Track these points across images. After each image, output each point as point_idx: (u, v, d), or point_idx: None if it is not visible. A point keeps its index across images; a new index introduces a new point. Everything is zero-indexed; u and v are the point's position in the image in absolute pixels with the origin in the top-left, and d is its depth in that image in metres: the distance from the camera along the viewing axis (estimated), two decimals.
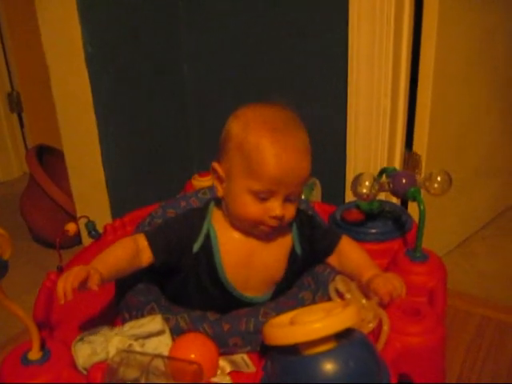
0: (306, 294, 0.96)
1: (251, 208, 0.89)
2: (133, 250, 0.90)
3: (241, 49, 1.78)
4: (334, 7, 1.54)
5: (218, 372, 0.85)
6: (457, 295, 1.65)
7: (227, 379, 0.85)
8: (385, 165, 1.59)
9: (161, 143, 1.91)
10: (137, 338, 0.86)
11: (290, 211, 0.91)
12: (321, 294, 0.97)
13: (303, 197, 1.30)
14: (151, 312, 0.92)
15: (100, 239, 1.26)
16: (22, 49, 2.56)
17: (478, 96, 1.80)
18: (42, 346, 0.85)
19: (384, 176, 1.15)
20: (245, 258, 0.95)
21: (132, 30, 1.73)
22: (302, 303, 0.93)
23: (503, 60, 1.83)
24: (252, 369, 0.86)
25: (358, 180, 1.09)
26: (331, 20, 1.57)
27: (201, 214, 0.97)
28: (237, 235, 0.95)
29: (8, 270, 0.76)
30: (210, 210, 0.97)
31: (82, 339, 0.87)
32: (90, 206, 1.83)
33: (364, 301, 0.92)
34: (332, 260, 1.04)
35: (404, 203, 1.54)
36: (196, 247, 0.94)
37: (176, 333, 0.88)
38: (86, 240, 1.58)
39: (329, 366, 0.73)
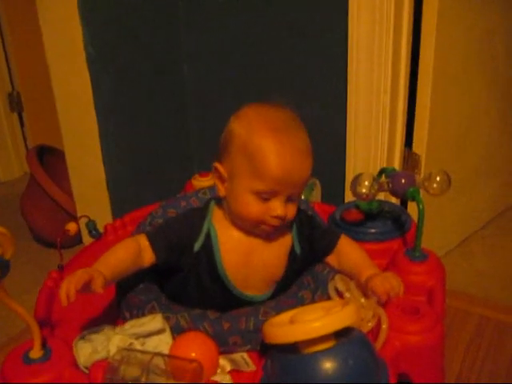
0: (306, 292, 0.96)
1: (253, 208, 0.89)
2: (135, 251, 0.91)
3: (241, 49, 1.78)
4: (334, 7, 1.54)
5: (218, 371, 0.86)
6: (456, 295, 1.65)
7: (227, 378, 0.85)
8: (384, 165, 1.60)
9: (161, 143, 1.91)
10: (137, 336, 0.86)
11: (291, 211, 0.92)
12: (320, 292, 0.98)
13: (303, 197, 1.31)
14: (152, 311, 0.92)
15: (100, 239, 1.27)
16: (22, 49, 2.57)
17: (478, 95, 1.80)
18: (44, 345, 0.85)
19: (383, 176, 1.15)
20: (245, 257, 0.95)
21: (132, 30, 1.74)
22: (301, 302, 0.94)
23: (503, 60, 1.83)
24: (252, 367, 0.86)
25: (357, 180, 1.09)
26: (331, 20, 1.57)
27: (201, 213, 0.97)
28: (237, 234, 0.95)
29: (10, 269, 0.77)
30: (211, 210, 0.98)
31: (83, 338, 0.87)
32: (91, 205, 1.84)
33: (363, 300, 0.93)
34: (331, 259, 1.04)
35: (403, 203, 1.55)
36: (197, 246, 0.94)
37: (176, 331, 0.89)
38: (87, 239, 1.59)
39: (328, 365, 0.74)
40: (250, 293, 0.97)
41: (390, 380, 0.79)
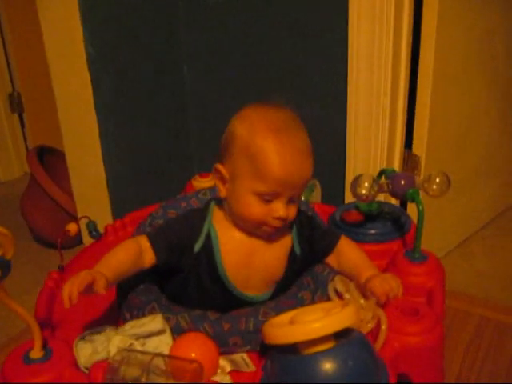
0: (306, 293, 0.97)
1: (255, 209, 0.90)
2: (135, 252, 0.91)
3: (241, 49, 1.78)
4: (334, 7, 1.54)
5: (218, 371, 0.86)
6: (456, 295, 1.65)
7: (227, 378, 0.85)
8: (384, 166, 1.60)
9: (161, 143, 1.91)
10: (138, 337, 0.86)
11: (292, 212, 0.92)
12: (320, 293, 0.98)
13: (303, 198, 1.31)
14: (152, 311, 0.92)
15: (101, 239, 1.27)
16: (23, 49, 2.57)
17: (478, 96, 1.81)
18: (44, 345, 0.86)
19: (383, 177, 1.15)
20: (245, 258, 0.95)
21: (132, 30, 1.74)
22: (301, 303, 0.94)
23: (503, 60, 1.83)
24: (252, 368, 0.87)
25: (357, 181, 1.09)
26: (331, 20, 1.57)
27: (201, 214, 0.98)
28: (237, 235, 0.95)
29: (11, 269, 0.77)
30: (211, 210, 0.98)
31: (83, 338, 0.88)
32: (91, 205, 1.84)
33: (362, 301, 0.93)
34: (331, 260, 1.05)
35: (403, 204, 1.55)
36: (197, 247, 0.94)
37: (176, 332, 0.89)
38: (87, 240, 1.59)
39: (328, 366, 0.74)
40: (250, 293, 0.97)
41: (389, 381, 0.79)
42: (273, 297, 0.98)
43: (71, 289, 0.79)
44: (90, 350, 0.85)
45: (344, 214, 1.23)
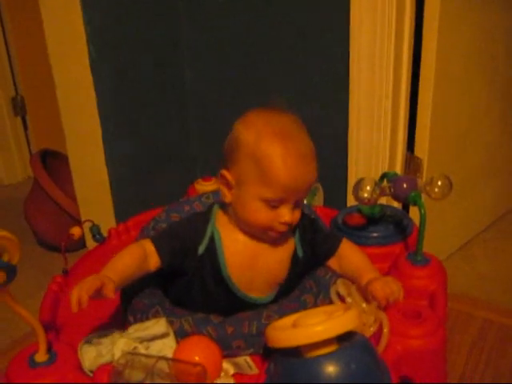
0: (308, 297, 0.97)
1: (262, 215, 0.90)
2: (140, 256, 0.92)
3: (241, 49, 1.78)
4: (335, 8, 1.54)
5: (222, 374, 0.86)
6: (458, 298, 1.65)
7: (231, 381, 0.86)
8: (386, 169, 1.60)
9: (164, 147, 1.92)
10: (141, 340, 0.87)
11: (296, 216, 0.93)
12: (322, 297, 0.98)
13: (305, 201, 1.32)
14: (156, 315, 0.93)
15: (104, 243, 1.28)
16: (26, 53, 2.58)
17: (478, 96, 1.81)
18: (49, 349, 0.86)
19: (385, 180, 1.16)
20: (249, 260, 0.96)
21: (133, 31, 1.74)
22: (304, 306, 0.95)
23: (503, 60, 1.83)
24: (255, 371, 0.87)
25: (359, 185, 1.09)
26: (332, 21, 1.57)
27: (204, 217, 0.98)
28: (241, 238, 0.96)
29: (16, 274, 0.77)
30: (214, 214, 0.99)
31: (87, 342, 0.88)
32: (94, 209, 1.85)
33: (364, 304, 0.94)
34: (332, 263, 1.05)
35: (405, 207, 1.55)
36: (201, 250, 0.95)
37: (180, 335, 0.89)
38: (91, 243, 1.60)
39: (331, 368, 0.75)
40: (253, 295, 0.98)
41: None
42: (276, 299, 0.99)
43: (80, 293, 0.79)
44: (94, 354, 0.86)
45: (346, 217, 1.23)
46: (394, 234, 1.19)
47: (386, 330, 0.88)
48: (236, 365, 0.88)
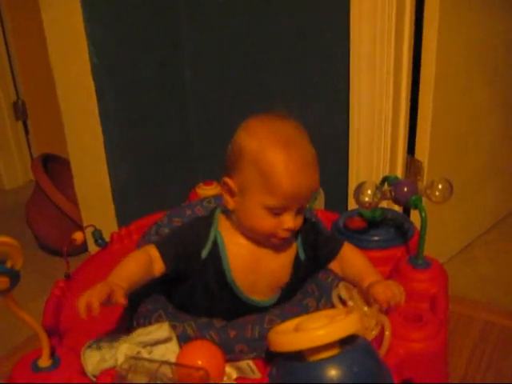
0: (310, 300, 0.98)
1: (265, 222, 0.91)
2: (145, 262, 0.92)
3: (241, 49, 1.78)
4: (335, 9, 1.55)
5: (225, 378, 0.86)
6: (460, 300, 1.66)
7: None
8: (387, 172, 1.61)
9: (165, 151, 1.92)
10: (144, 345, 0.87)
11: (299, 222, 0.94)
12: (324, 300, 0.99)
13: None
14: (158, 320, 0.93)
15: (106, 247, 1.28)
16: (27, 57, 2.59)
17: (479, 98, 1.81)
18: (52, 354, 0.86)
19: (386, 184, 1.16)
20: (252, 264, 0.97)
21: (135, 37, 1.75)
22: (306, 310, 0.95)
23: (503, 61, 1.84)
24: (257, 375, 0.87)
25: (360, 188, 1.10)
26: (333, 25, 1.58)
27: (207, 221, 0.99)
28: (244, 241, 0.97)
29: (20, 279, 0.78)
30: (216, 218, 0.99)
31: (90, 346, 0.88)
32: (96, 213, 1.85)
33: (366, 308, 0.94)
34: (334, 266, 1.06)
35: (406, 210, 1.55)
36: (204, 254, 0.95)
37: (183, 340, 0.90)
38: (93, 248, 1.60)
39: (333, 372, 0.75)
40: (256, 298, 0.99)
41: None
42: (278, 302, 0.99)
43: (90, 300, 0.79)
44: (97, 358, 0.86)
45: (347, 220, 1.24)
46: (395, 237, 1.19)
47: (387, 333, 0.88)
48: (239, 369, 0.88)
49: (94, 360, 0.86)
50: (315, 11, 1.60)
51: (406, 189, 1.10)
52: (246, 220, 0.93)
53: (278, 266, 0.98)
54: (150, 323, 0.93)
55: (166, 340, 0.88)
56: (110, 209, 1.82)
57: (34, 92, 2.64)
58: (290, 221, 0.91)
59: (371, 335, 0.89)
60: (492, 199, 2.04)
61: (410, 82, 1.59)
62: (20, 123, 2.70)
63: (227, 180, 0.93)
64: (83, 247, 1.85)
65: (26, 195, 2.18)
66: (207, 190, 1.40)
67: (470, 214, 1.93)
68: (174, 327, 0.91)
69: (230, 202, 0.94)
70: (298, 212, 0.93)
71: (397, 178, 1.17)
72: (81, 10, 1.58)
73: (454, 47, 1.61)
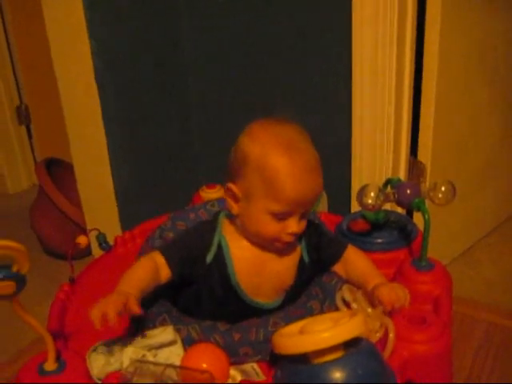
0: (314, 303, 0.98)
1: (270, 227, 0.91)
2: (152, 269, 0.93)
3: (241, 49, 1.79)
4: (338, 15, 1.55)
5: (229, 381, 0.87)
6: (463, 302, 1.66)
7: None
8: (390, 173, 1.61)
9: (168, 154, 1.93)
10: (149, 348, 0.88)
11: (302, 226, 0.94)
12: (328, 303, 0.99)
13: None
14: (163, 323, 0.94)
15: (110, 251, 1.28)
16: (30, 62, 2.60)
17: (480, 99, 1.81)
18: (58, 357, 0.87)
19: (389, 187, 1.16)
20: (256, 266, 0.97)
21: (139, 42, 1.75)
22: (310, 312, 0.95)
23: (503, 61, 1.84)
24: (262, 377, 0.88)
25: (363, 191, 1.10)
26: (334, 26, 1.58)
27: (211, 225, 0.99)
28: (248, 245, 0.97)
29: (26, 283, 0.78)
30: (220, 222, 0.99)
31: (96, 350, 0.89)
32: (100, 217, 1.85)
33: (370, 310, 0.94)
34: (338, 268, 1.06)
35: (409, 213, 1.55)
36: (209, 258, 0.96)
37: (187, 343, 0.90)
38: (96, 251, 1.60)
39: (337, 375, 0.75)
40: (261, 300, 0.99)
41: None
42: (283, 304, 1.00)
43: (105, 310, 0.79)
44: (102, 362, 0.86)
45: (351, 223, 1.24)
46: (399, 239, 1.19)
47: (391, 336, 0.88)
48: (243, 372, 0.89)
49: (99, 363, 0.86)
50: (316, 11, 1.60)
51: (409, 191, 1.10)
52: (251, 225, 0.93)
53: (282, 268, 0.99)
54: (154, 327, 0.93)
55: (171, 343, 0.89)
56: (114, 212, 1.82)
57: (37, 96, 2.65)
58: (294, 225, 0.92)
59: (375, 337, 0.89)
60: (493, 200, 2.04)
61: (412, 84, 1.59)
62: (23, 127, 2.71)
63: (231, 186, 0.93)
64: (87, 251, 1.85)
65: (30, 199, 2.19)
66: (210, 193, 1.40)
67: (472, 216, 1.94)
68: (178, 330, 0.91)
69: (235, 207, 0.95)
70: (302, 216, 0.93)
71: (400, 180, 1.17)
72: (83, 15, 1.58)
73: (455, 49, 1.61)
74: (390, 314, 0.93)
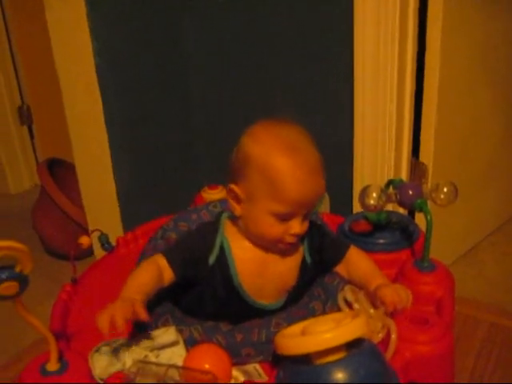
0: (317, 304, 0.98)
1: (273, 228, 0.91)
2: (156, 272, 0.93)
3: (242, 49, 1.79)
4: (340, 14, 1.55)
5: (232, 381, 0.87)
6: (466, 302, 1.66)
7: None
8: (392, 174, 1.61)
9: (170, 155, 1.93)
10: (152, 348, 0.88)
11: (305, 227, 0.94)
12: (330, 304, 0.99)
13: None
14: (165, 324, 0.94)
15: (113, 252, 1.28)
16: (31, 62, 2.60)
17: (482, 99, 1.82)
18: (60, 358, 0.87)
19: (391, 187, 1.16)
20: (259, 267, 0.97)
21: (140, 42, 1.76)
22: (312, 313, 0.95)
23: (505, 61, 1.84)
24: (264, 378, 0.88)
25: (365, 192, 1.10)
26: (336, 26, 1.58)
27: (213, 227, 0.99)
28: (250, 246, 0.97)
29: (28, 284, 0.78)
30: (222, 223, 0.99)
31: (98, 350, 0.89)
32: (101, 217, 1.86)
33: (372, 311, 0.94)
34: (340, 269, 1.06)
35: (411, 213, 1.55)
36: (211, 260, 0.96)
37: (190, 344, 0.90)
38: (98, 252, 1.61)
39: (340, 375, 0.75)
40: (264, 301, 0.99)
41: None
42: (285, 305, 1.00)
43: (114, 318, 0.79)
44: (105, 362, 0.86)
45: (352, 223, 1.24)
46: (401, 240, 1.19)
47: (393, 336, 0.88)
48: (245, 372, 0.89)
49: (101, 364, 0.86)
50: (318, 11, 1.60)
51: (411, 192, 1.10)
52: (254, 226, 0.93)
53: (284, 269, 0.99)
54: (156, 327, 0.93)
55: (173, 344, 0.89)
56: (116, 212, 1.82)
57: (39, 97, 2.65)
58: (296, 226, 0.92)
59: (377, 338, 0.89)
60: (496, 201, 2.04)
61: (414, 85, 1.59)
62: (25, 128, 2.71)
63: (233, 187, 0.93)
64: (89, 251, 1.85)
65: (32, 199, 2.19)
66: (212, 194, 1.40)
67: (474, 216, 1.94)
68: (180, 331, 0.91)
69: (237, 209, 0.95)
70: (305, 217, 0.93)
71: (402, 181, 1.17)
72: (86, 16, 1.58)
73: (457, 48, 1.61)
74: (392, 314, 0.93)
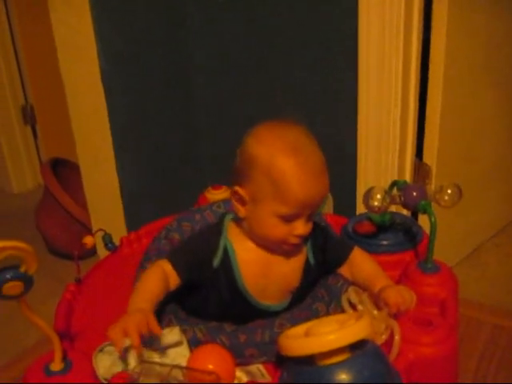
0: (320, 305, 0.98)
1: (277, 230, 0.91)
2: (162, 278, 0.93)
3: (247, 51, 1.79)
4: (344, 17, 1.56)
5: (235, 382, 0.87)
6: (469, 304, 1.65)
7: None
8: (395, 176, 1.61)
9: (174, 156, 1.93)
10: (155, 349, 0.88)
11: (309, 228, 0.94)
12: (334, 305, 0.99)
13: None
14: (169, 324, 0.94)
15: (116, 252, 1.29)
16: (35, 62, 2.60)
17: (485, 100, 1.81)
18: (64, 357, 0.87)
19: (395, 189, 1.16)
20: (263, 268, 0.97)
21: (144, 43, 1.76)
22: (316, 314, 0.95)
23: (508, 61, 1.84)
24: (268, 379, 0.88)
25: (369, 193, 1.10)
26: (339, 25, 1.58)
27: (216, 229, 0.99)
28: (254, 247, 0.97)
29: (33, 284, 0.78)
30: (225, 225, 0.99)
31: (102, 350, 0.89)
32: (105, 217, 1.86)
33: (375, 312, 0.94)
34: (344, 270, 1.06)
35: (414, 214, 1.55)
36: (216, 263, 0.96)
37: (193, 344, 0.90)
38: (102, 251, 1.61)
39: (343, 377, 0.75)
40: (268, 302, 0.99)
41: None
42: (289, 306, 1.00)
43: (128, 332, 0.79)
44: (109, 362, 0.86)
45: (356, 225, 1.24)
46: (404, 241, 1.19)
47: (397, 338, 0.88)
48: (249, 373, 0.89)
49: (105, 363, 0.86)
50: (321, 11, 1.61)
51: (415, 193, 1.10)
52: (258, 228, 0.93)
53: (288, 270, 0.99)
54: (160, 327, 0.93)
55: (177, 344, 0.89)
56: (119, 212, 1.82)
57: (43, 96, 2.65)
58: (300, 227, 0.92)
59: (381, 339, 0.89)
60: (499, 202, 2.03)
61: (418, 86, 1.59)
62: (29, 127, 2.71)
63: (238, 189, 0.93)
64: (92, 251, 1.85)
65: (35, 199, 2.20)
66: (216, 195, 1.40)
67: (478, 218, 1.93)
68: (184, 331, 0.91)
69: (241, 211, 0.95)
70: (309, 218, 0.93)
71: (406, 182, 1.17)
72: (90, 17, 1.59)
73: (461, 49, 1.61)
74: (396, 316, 0.93)
